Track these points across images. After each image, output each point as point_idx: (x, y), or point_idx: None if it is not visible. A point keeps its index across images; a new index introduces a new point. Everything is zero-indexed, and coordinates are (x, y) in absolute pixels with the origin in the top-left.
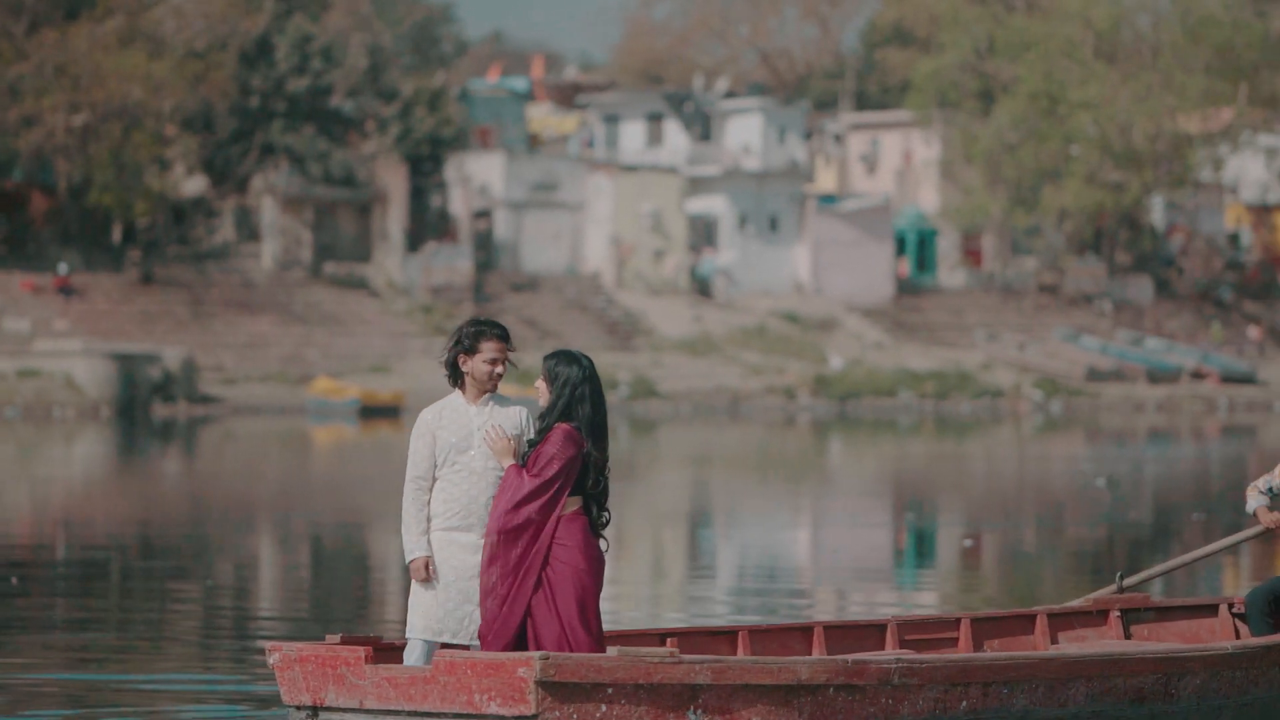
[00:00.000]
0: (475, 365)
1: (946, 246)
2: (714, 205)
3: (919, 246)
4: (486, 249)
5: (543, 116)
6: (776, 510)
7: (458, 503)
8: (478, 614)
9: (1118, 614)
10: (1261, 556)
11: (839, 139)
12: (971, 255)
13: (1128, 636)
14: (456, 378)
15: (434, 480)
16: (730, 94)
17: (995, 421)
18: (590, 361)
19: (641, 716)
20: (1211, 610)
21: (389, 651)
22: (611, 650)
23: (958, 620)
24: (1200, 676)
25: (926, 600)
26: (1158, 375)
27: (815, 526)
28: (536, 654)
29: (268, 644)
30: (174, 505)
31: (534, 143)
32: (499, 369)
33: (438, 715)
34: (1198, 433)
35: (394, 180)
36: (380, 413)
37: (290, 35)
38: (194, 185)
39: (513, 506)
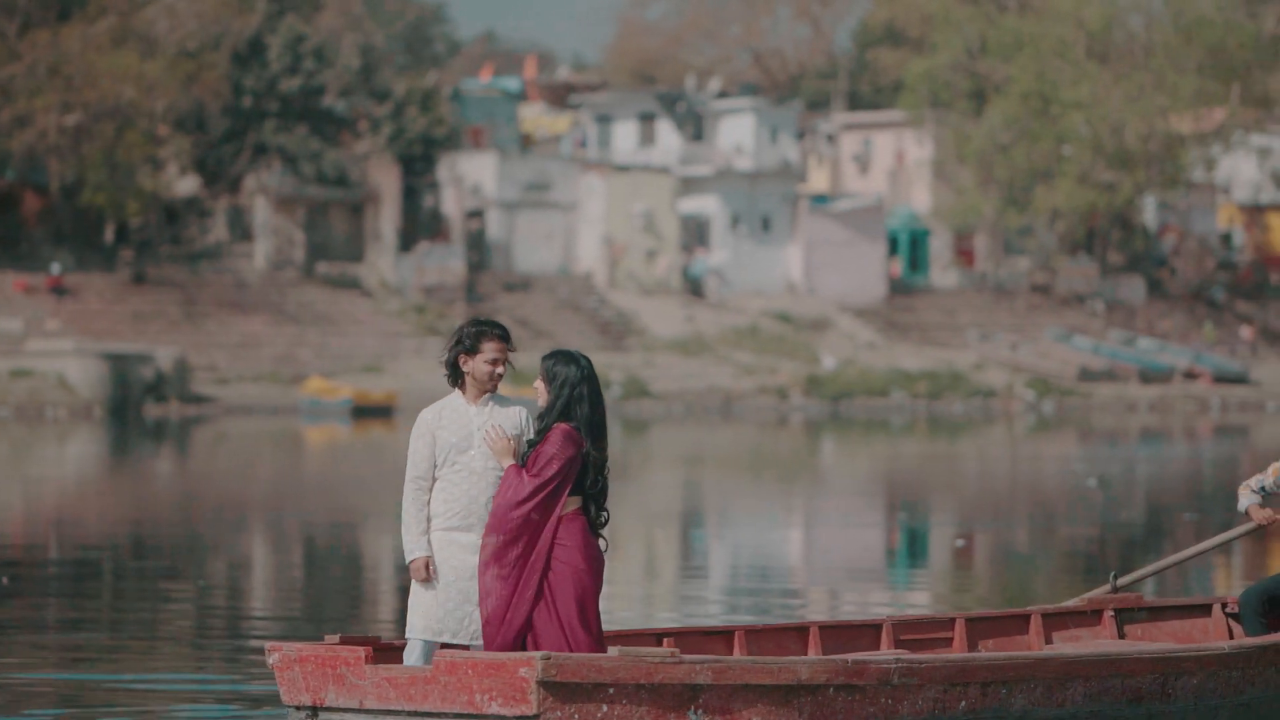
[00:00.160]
0: (476, 365)
1: (939, 246)
2: (706, 205)
3: (911, 246)
4: (479, 249)
5: (535, 116)
6: (769, 510)
7: (458, 503)
8: (478, 614)
9: (1111, 614)
10: (1253, 556)
11: (831, 139)
12: (964, 255)
13: (1121, 636)
14: (457, 378)
15: (434, 480)
16: (723, 94)
17: (988, 421)
18: (589, 361)
19: (643, 716)
20: (1205, 610)
21: (388, 651)
22: (612, 650)
23: (952, 620)
24: (1198, 676)
25: (919, 600)
26: (1150, 375)
27: (808, 526)
28: (538, 654)
29: (267, 644)
30: (166, 505)
31: (526, 143)
32: (500, 369)
33: (438, 715)
34: (1190, 433)
35: (386, 180)
36: (373, 413)
37: (283, 35)
38: (186, 185)
39: (513, 506)
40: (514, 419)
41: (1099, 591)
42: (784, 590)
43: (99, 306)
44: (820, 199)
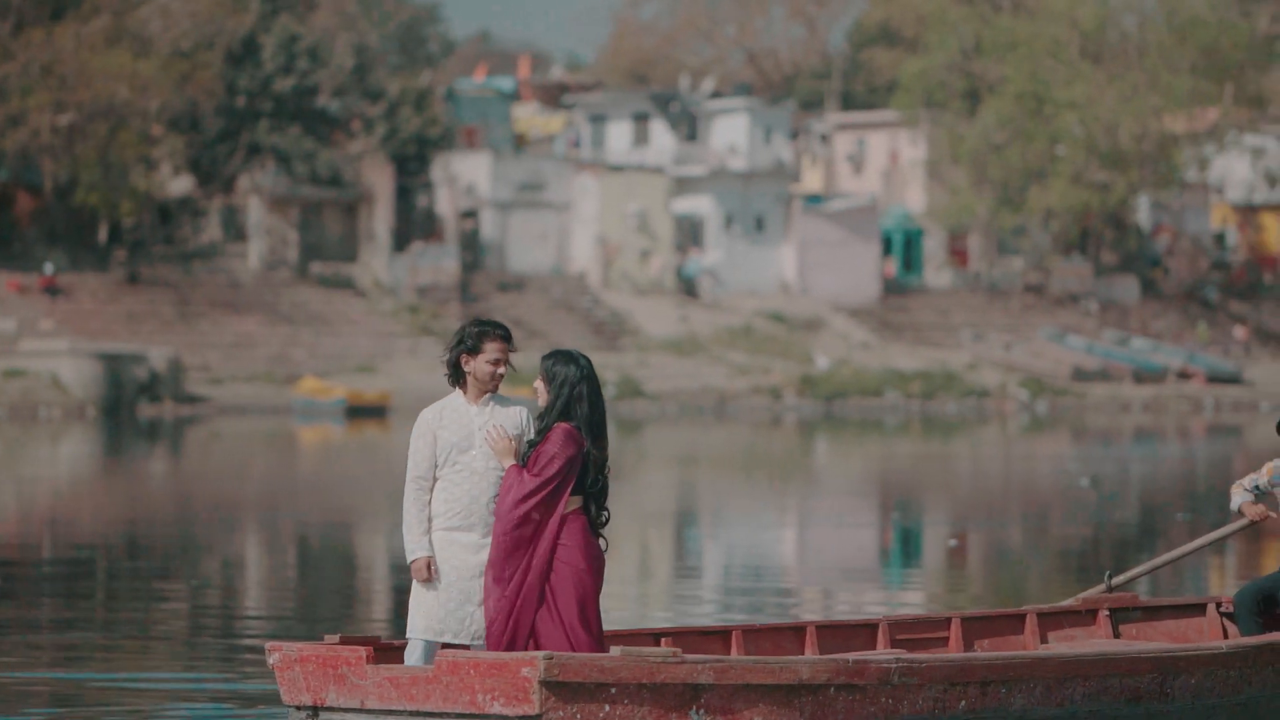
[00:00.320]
0: (478, 365)
1: (933, 246)
2: (700, 205)
3: (905, 246)
4: (473, 249)
5: (529, 116)
6: (763, 510)
7: (459, 503)
8: (479, 614)
9: (1106, 613)
10: (1247, 556)
11: (825, 139)
12: (958, 255)
13: (1116, 636)
14: (458, 377)
15: (435, 480)
16: (716, 94)
17: (981, 421)
18: (588, 361)
19: (644, 716)
20: (1200, 609)
21: (389, 651)
22: (614, 650)
23: (948, 620)
24: (1196, 676)
25: (913, 600)
26: (1143, 375)
27: (801, 526)
28: (540, 654)
29: (267, 644)
30: (160, 505)
31: (520, 143)
32: (501, 370)
33: (440, 715)
34: (1183, 433)
35: (380, 180)
36: (366, 413)
37: (276, 35)
38: (180, 185)
39: (514, 506)
40: (515, 419)
41: (1094, 591)
42: (778, 590)
43: (93, 306)
44: (814, 199)
